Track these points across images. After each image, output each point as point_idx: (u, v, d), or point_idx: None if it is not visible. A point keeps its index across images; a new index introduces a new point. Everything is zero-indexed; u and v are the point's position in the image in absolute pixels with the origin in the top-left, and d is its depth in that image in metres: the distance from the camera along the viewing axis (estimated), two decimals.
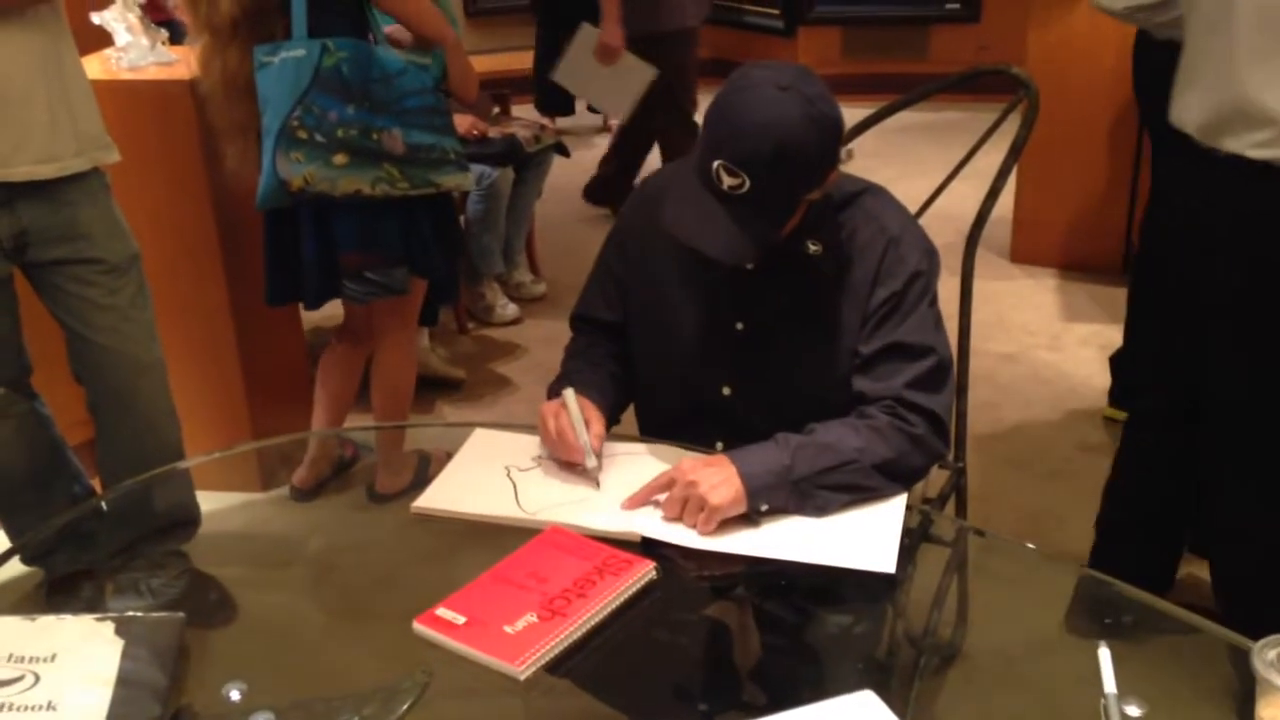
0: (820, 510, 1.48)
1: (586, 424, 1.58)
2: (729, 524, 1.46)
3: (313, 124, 2.30)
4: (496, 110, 4.05)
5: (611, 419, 1.72)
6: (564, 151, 4.05)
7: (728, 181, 1.47)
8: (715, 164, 1.47)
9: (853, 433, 1.54)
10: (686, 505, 1.46)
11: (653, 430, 1.79)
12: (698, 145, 1.52)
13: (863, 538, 1.44)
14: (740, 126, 1.46)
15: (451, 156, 2.46)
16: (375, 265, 2.49)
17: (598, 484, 1.56)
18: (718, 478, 1.45)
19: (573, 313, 1.86)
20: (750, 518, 1.47)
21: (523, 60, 6.02)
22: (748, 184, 1.46)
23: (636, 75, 4.13)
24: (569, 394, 1.62)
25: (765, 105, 1.45)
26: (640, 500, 1.51)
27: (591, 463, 1.56)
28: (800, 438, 1.53)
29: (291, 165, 2.31)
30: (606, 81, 4.19)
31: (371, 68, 2.32)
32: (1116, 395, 3.19)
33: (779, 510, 1.47)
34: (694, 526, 1.45)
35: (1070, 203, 4.11)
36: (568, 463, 1.60)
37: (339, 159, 2.33)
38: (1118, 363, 3.18)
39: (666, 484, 1.49)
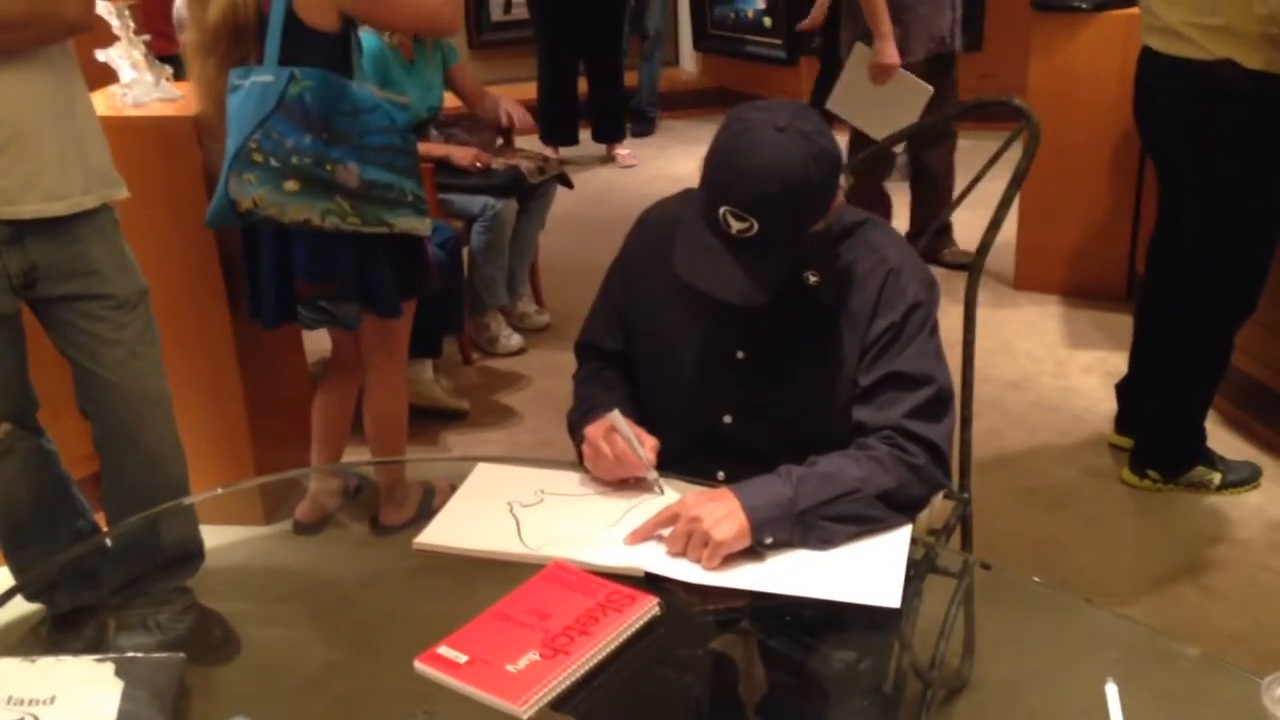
0: (825, 543, 1.48)
1: (639, 440, 1.61)
2: (732, 558, 1.45)
3: (269, 148, 2.31)
4: (500, 141, 4.07)
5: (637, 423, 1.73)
6: (567, 183, 4.06)
7: (736, 226, 1.48)
8: (722, 210, 1.48)
9: (853, 463, 1.53)
10: (690, 540, 1.45)
11: (659, 458, 1.79)
12: (701, 190, 1.53)
13: (867, 572, 1.43)
14: (744, 171, 1.47)
15: (409, 199, 2.44)
16: (327, 296, 2.49)
17: (662, 490, 1.60)
18: (721, 512, 1.45)
19: (577, 340, 1.87)
20: (754, 551, 1.46)
21: (526, 91, 6.07)
22: (756, 227, 1.48)
23: (913, 94, 3.88)
24: (617, 415, 1.62)
25: (766, 148, 1.46)
26: (644, 535, 1.50)
27: (652, 475, 1.60)
28: (802, 469, 1.52)
29: (243, 186, 2.33)
30: (880, 104, 3.92)
31: (340, 101, 2.33)
32: (1122, 422, 3.18)
33: (783, 543, 1.47)
34: (698, 562, 1.44)
35: (1073, 230, 4.11)
36: (623, 480, 1.62)
37: (290, 185, 2.33)
38: (1124, 390, 3.17)
39: (670, 519, 1.49)
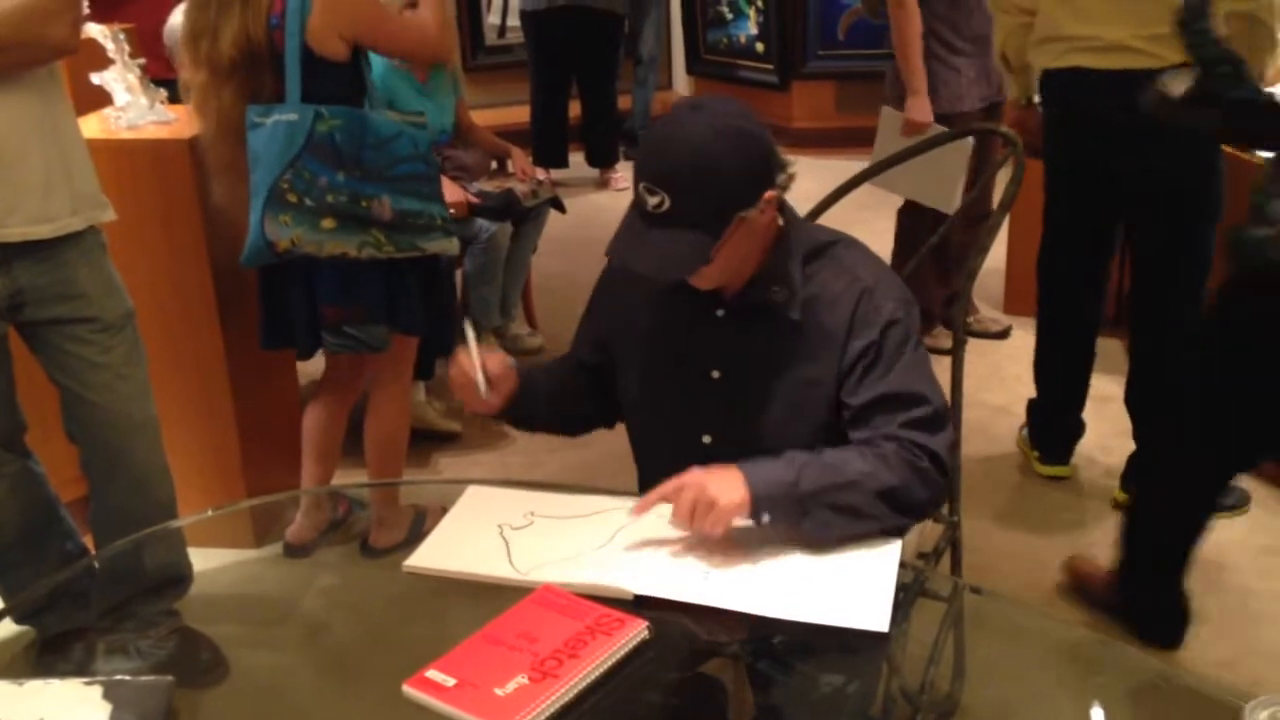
0: (821, 528, 1.49)
1: (484, 366, 1.67)
2: (721, 581, 1.45)
3: (302, 188, 2.33)
4: (494, 165, 4.08)
5: (531, 394, 1.77)
6: (560, 207, 4.08)
7: (650, 201, 1.53)
8: (641, 186, 1.54)
9: (859, 457, 1.56)
10: (696, 508, 1.48)
11: (646, 481, 1.80)
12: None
13: (856, 595, 1.43)
14: (654, 145, 1.55)
15: (439, 223, 2.49)
16: (353, 320, 2.50)
17: (488, 395, 1.67)
18: (726, 481, 1.49)
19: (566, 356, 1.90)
20: (744, 574, 1.47)
21: (521, 114, 6.10)
22: (668, 202, 1.52)
23: (954, 150, 3.30)
24: (467, 325, 1.71)
25: (676, 124, 1.54)
26: (648, 505, 1.53)
27: (482, 386, 1.66)
28: (807, 455, 1.55)
29: (279, 227, 2.35)
30: (921, 167, 3.26)
31: (365, 134, 2.36)
32: (1049, 451, 3.19)
33: (780, 522, 1.50)
34: (702, 529, 1.48)
35: None
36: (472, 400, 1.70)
37: (326, 223, 2.36)
38: (1042, 413, 3.19)
39: (675, 489, 1.51)
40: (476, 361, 1.66)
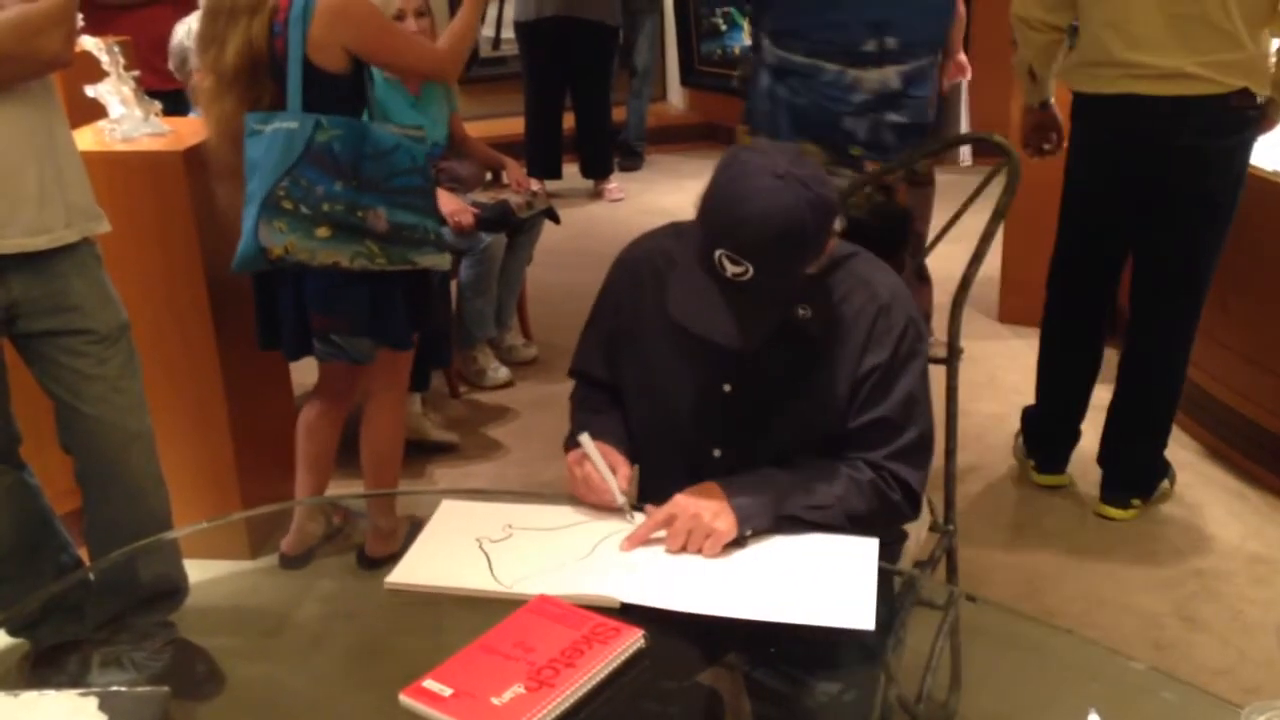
0: (790, 532, 1.57)
1: (611, 468, 1.65)
2: (709, 586, 1.45)
3: (299, 196, 2.34)
4: (489, 176, 4.09)
5: (631, 458, 1.76)
6: (554, 218, 4.08)
7: (732, 270, 1.50)
8: (718, 253, 1.49)
9: (835, 480, 1.60)
10: (691, 536, 1.52)
11: (652, 493, 1.80)
12: (698, 232, 1.54)
13: (839, 595, 1.44)
14: (741, 217, 1.48)
15: (431, 237, 2.50)
16: (338, 330, 2.51)
17: (633, 518, 1.62)
18: (716, 506, 1.54)
19: (571, 366, 1.89)
20: (730, 578, 1.48)
21: (515, 126, 6.11)
22: (752, 272, 1.49)
23: None
24: (585, 439, 1.66)
25: (764, 195, 1.47)
26: (640, 539, 1.54)
27: (621, 500, 1.63)
28: (785, 475, 1.60)
29: (274, 234, 2.35)
30: None
31: (364, 145, 2.37)
32: (1046, 462, 3.19)
33: (759, 532, 1.56)
34: (699, 552, 1.51)
35: None
36: (598, 506, 1.65)
37: (321, 232, 2.36)
38: (1040, 423, 3.19)
39: (665, 520, 1.54)
40: (607, 474, 1.63)
